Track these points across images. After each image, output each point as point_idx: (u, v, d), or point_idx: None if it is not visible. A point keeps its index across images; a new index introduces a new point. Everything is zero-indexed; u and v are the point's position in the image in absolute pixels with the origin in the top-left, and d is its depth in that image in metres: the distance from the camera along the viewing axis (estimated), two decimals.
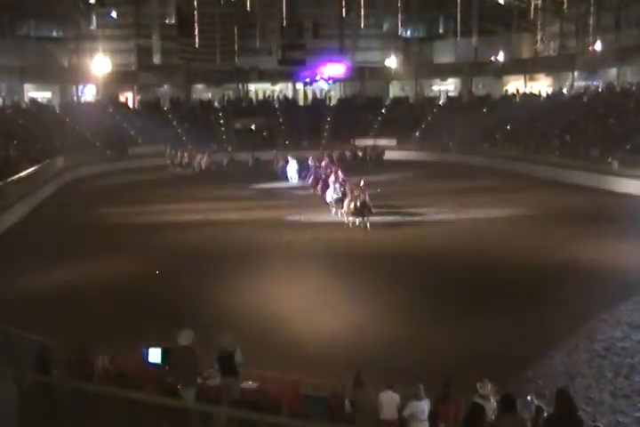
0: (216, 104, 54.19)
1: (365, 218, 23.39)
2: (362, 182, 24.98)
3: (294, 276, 17.93)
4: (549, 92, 47.66)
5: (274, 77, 56.60)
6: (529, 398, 9.39)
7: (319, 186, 28.76)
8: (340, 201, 25.07)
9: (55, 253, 20.81)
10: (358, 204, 23.17)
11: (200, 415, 7.18)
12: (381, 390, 9.04)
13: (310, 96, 57.01)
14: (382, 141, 47.08)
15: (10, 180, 27.77)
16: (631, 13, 44.25)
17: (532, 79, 51.38)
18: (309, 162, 34.82)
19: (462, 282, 17.05)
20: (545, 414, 8.08)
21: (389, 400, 8.86)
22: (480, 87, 53.82)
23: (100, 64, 49.11)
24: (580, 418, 7.92)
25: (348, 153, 43.71)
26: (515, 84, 51.53)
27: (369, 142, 46.39)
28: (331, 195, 26.10)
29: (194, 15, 52.80)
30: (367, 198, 23.45)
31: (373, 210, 23.59)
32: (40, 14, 50.53)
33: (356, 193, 23.76)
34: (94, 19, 53.69)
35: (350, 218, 23.98)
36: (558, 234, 22.39)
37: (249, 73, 55.44)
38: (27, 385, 7.84)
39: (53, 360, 9.50)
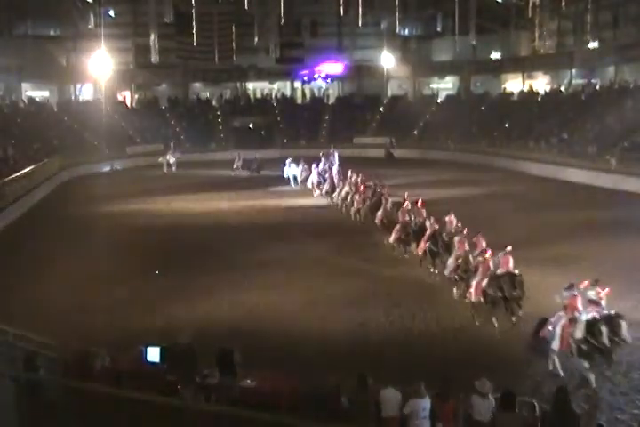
0: (214, 103, 54.20)
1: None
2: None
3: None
4: (547, 90, 47.67)
5: (272, 76, 56.57)
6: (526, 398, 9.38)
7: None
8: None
9: (53, 252, 20.79)
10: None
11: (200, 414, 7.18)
12: (383, 387, 9.03)
13: (308, 94, 56.96)
14: (379, 140, 47.24)
15: (8, 179, 27.76)
16: (629, 11, 44.25)
17: (529, 77, 51.34)
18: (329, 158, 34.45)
19: None
20: (537, 411, 8.08)
21: (391, 398, 8.85)
22: (478, 85, 53.79)
23: (99, 63, 49.01)
24: (576, 415, 7.93)
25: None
26: (513, 82, 51.53)
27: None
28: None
29: (192, 14, 52.58)
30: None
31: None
32: (38, 13, 50.36)
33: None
34: (92, 17, 53.52)
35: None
36: (558, 231, 22.40)
37: (247, 71, 55.39)
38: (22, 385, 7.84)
39: (45, 360, 9.49)
